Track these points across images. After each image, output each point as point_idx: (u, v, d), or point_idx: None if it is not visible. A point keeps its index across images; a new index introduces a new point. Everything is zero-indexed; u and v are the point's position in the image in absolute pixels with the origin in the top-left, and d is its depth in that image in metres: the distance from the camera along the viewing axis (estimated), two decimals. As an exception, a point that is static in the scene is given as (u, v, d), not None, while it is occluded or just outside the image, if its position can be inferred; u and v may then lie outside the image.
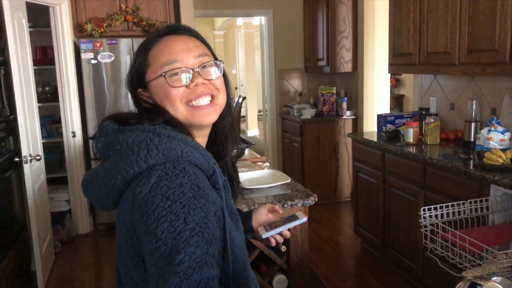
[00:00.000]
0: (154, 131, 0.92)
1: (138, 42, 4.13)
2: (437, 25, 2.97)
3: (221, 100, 1.02)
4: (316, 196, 2.01)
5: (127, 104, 4.17)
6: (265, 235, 1.18)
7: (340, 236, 4.06)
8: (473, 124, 2.92)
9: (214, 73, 1.00)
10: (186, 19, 4.32)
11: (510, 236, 1.83)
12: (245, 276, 0.99)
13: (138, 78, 1.01)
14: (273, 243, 1.25)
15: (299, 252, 2.01)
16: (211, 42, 10.97)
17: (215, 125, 1.06)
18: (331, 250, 3.76)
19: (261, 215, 1.27)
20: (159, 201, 0.82)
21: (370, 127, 4.56)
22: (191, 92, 0.97)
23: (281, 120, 5.56)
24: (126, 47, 4.13)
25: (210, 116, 0.99)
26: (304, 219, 1.18)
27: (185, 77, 0.96)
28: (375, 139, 3.43)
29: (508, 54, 2.42)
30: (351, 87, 4.96)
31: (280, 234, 1.23)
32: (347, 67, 4.76)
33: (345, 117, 4.80)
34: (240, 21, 10.07)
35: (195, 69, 0.97)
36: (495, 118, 2.73)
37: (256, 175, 2.32)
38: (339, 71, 4.82)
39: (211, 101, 0.99)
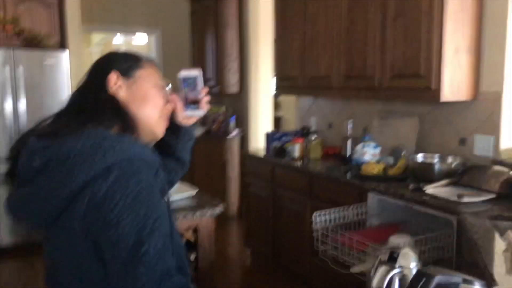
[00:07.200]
0: (101, 135, 0.95)
1: (18, 53, 3.86)
2: (318, 52, 3.34)
3: None
4: (222, 205, 2.13)
5: (6, 116, 3.85)
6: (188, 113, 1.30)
7: (231, 249, 4.20)
8: (349, 141, 3.32)
9: None
10: (72, 33, 4.18)
11: (388, 234, 2.14)
12: (186, 265, 1.08)
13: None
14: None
15: (207, 259, 2.10)
16: (87, 59, 10.48)
17: None
18: (223, 263, 3.87)
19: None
20: (119, 198, 0.87)
21: (257, 144, 4.84)
22: (165, 110, 1.15)
23: (168, 138, 5.57)
24: (3, 58, 3.84)
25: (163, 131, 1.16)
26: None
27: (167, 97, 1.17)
28: (264, 155, 3.68)
29: (378, 81, 2.84)
30: (238, 107, 5.22)
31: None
32: (234, 88, 5.02)
33: (233, 135, 5.02)
34: (119, 39, 9.83)
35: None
36: (368, 136, 3.14)
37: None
38: (227, 92, 5.05)
39: None
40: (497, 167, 2.34)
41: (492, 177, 2.27)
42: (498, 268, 1.35)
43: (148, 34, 5.68)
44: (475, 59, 2.57)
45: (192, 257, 2.06)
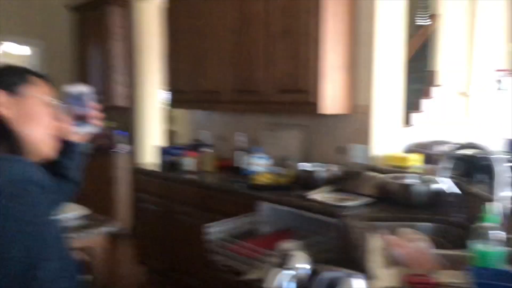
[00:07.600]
0: None
1: None
2: (208, 67, 3.42)
3: None
4: (118, 222, 2.09)
5: None
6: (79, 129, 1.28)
7: (125, 268, 4.06)
8: (240, 153, 3.44)
9: None
10: None
11: (279, 241, 2.26)
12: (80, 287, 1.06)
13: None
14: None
15: (101, 280, 2.03)
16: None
17: None
18: (117, 283, 3.73)
19: None
20: (4, 223, 0.84)
21: (148, 159, 4.75)
22: (54, 129, 1.11)
23: (51, 155, 5.23)
24: None
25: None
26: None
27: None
28: (157, 169, 3.64)
29: (265, 95, 3.00)
30: (127, 121, 5.08)
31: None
32: (122, 102, 4.88)
33: (122, 150, 4.87)
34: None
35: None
36: (257, 147, 3.29)
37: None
38: (115, 106, 4.89)
39: None
40: (371, 173, 2.62)
41: (367, 182, 2.54)
42: (375, 264, 1.52)
43: (27, 45, 5.29)
44: (350, 76, 2.85)
45: (86, 278, 1.98)
